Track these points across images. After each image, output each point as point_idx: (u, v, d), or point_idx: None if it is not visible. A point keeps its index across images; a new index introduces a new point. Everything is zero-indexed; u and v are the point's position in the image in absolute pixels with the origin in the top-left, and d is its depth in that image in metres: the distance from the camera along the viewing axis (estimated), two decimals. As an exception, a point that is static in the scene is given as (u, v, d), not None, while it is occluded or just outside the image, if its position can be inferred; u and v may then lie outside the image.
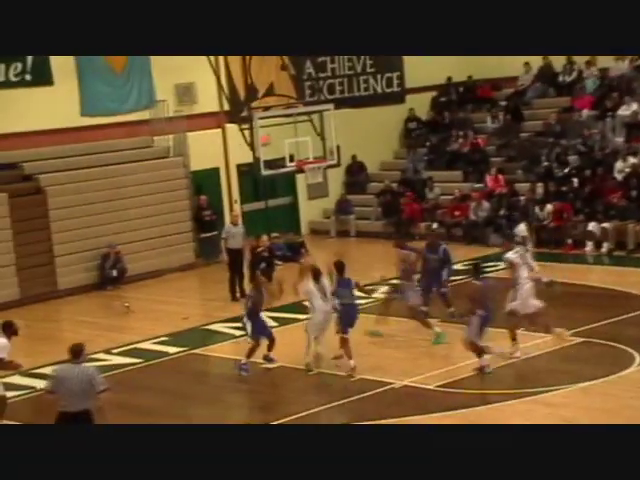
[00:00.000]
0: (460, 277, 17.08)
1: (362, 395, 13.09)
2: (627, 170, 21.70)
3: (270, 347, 14.42)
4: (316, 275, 14.19)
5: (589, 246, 20.96)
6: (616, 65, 24.58)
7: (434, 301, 16.27)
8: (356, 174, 26.15)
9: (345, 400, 12.96)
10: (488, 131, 25.61)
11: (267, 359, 14.51)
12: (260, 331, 14.23)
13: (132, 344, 16.70)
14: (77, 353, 10.21)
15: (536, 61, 25.79)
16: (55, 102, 21.50)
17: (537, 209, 21.86)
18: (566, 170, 22.66)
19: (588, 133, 23.27)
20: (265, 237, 18.97)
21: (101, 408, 10.01)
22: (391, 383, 13.44)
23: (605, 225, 20.88)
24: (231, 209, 23.66)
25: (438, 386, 13.22)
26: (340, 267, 14.18)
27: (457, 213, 23.29)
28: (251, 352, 14.21)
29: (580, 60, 25.08)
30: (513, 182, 23.27)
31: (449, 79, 27.43)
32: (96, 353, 16.29)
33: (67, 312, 20.07)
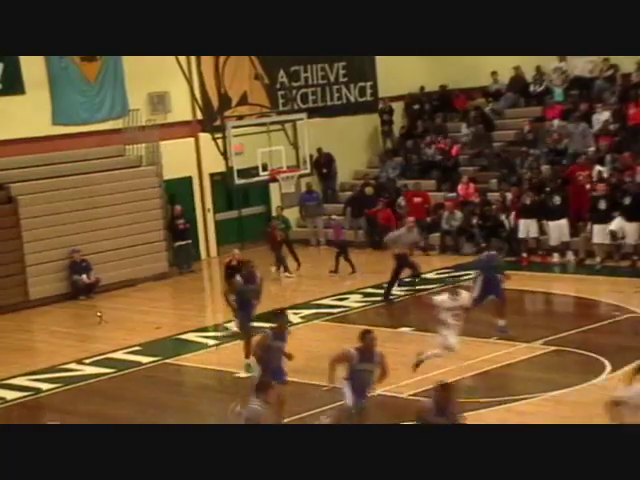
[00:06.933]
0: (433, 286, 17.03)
1: (336, 404, 13.07)
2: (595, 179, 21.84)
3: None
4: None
5: (555, 257, 21.07)
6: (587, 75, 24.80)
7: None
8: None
9: (319, 409, 12.95)
10: (461, 140, 25.72)
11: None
12: None
13: (104, 354, 16.63)
14: None
15: (506, 71, 25.96)
16: (27, 111, 21.39)
17: (503, 217, 21.91)
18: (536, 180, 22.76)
19: (556, 138, 23.43)
20: (237, 251, 19.12)
21: None
22: (364, 392, 13.43)
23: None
24: (204, 218, 23.67)
25: (411, 395, 13.25)
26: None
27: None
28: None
29: (549, 67, 25.25)
30: (486, 191, 23.37)
31: (422, 88, 27.53)
32: (68, 363, 16.24)
33: (39, 322, 19.94)
